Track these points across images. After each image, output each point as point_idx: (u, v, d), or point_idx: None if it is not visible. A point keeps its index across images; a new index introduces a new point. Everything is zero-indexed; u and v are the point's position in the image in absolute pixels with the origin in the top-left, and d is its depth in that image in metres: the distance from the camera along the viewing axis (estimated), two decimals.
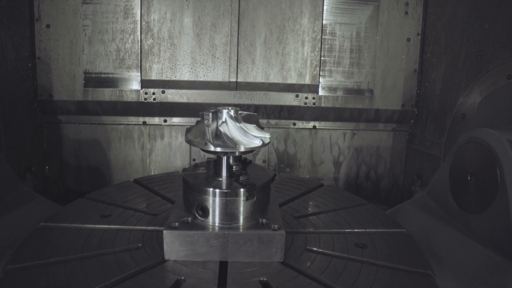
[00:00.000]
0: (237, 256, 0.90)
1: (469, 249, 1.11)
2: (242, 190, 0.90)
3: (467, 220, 1.17)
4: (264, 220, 0.93)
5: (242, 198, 0.90)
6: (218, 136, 0.90)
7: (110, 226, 1.05)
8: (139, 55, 1.70)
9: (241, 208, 0.91)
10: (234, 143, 0.88)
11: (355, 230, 1.09)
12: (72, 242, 0.97)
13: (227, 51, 1.73)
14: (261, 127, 0.96)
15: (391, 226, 1.12)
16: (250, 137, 0.88)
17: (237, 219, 0.92)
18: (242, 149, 0.88)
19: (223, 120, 0.90)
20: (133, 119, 1.78)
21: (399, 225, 1.13)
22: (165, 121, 1.79)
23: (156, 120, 1.79)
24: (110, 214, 1.11)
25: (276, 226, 0.90)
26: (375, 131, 1.87)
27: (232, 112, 0.92)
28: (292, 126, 1.84)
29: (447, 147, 1.51)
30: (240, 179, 0.91)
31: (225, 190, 0.90)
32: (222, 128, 0.89)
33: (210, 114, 0.87)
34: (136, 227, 1.05)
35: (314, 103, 1.77)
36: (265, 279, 0.85)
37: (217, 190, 0.90)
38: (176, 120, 1.80)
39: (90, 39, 1.67)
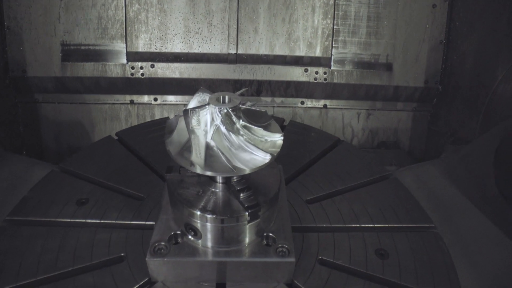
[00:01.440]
0: (237, 279, 0.78)
1: (502, 246, 0.98)
2: (244, 214, 0.73)
3: (506, 212, 1.03)
4: (270, 239, 0.78)
5: (243, 223, 0.74)
6: (209, 151, 0.68)
7: (87, 221, 0.93)
8: (124, 23, 1.52)
9: (242, 233, 0.76)
10: (232, 163, 0.67)
11: (376, 226, 0.96)
12: (42, 252, 0.84)
13: (226, 18, 1.54)
14: (268, 127, 0.76)
15: (417, 218, 0.98)
16: (254, 151, 0.67)
17: (237, 242, 0.77)
18: (243, 171, 0.68)
19: (215, 124, 0.68)
20: (119, 98, 1.62)
21: (426, 217, 0.99)
22: (155, 99, 1.63)
23: (145, 98, 1.63)
24: (88, 199, 0.98)
25: (285, 247, 0.76)
26: (393, 111, 1.71)
27: (227, 112, 0.68)
28: (300, 105, 1.68)
29: (483, 128, 1.35)
30: (241, 197, 0.73)
31: (221, 217, 0.73)
32: (214, 140, 0.68)
33: (195, 114, 0.65)
34: (118, 222, 0.92)
35: (325, 79, 1.60)
36: None
37: (209, 216, 0.73)
38: (167, 98, 1.64)
39: (66, 5, 1.48)
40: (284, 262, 0.74)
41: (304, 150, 1.21)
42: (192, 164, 0.67)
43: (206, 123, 0.67)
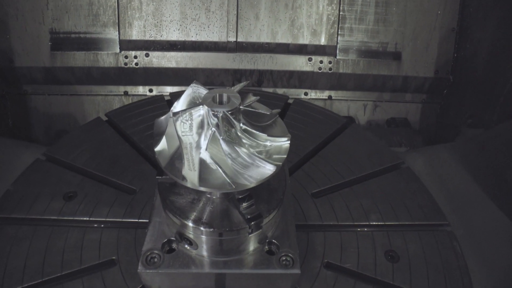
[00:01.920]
0: (236, 286, 0.73)
1: None
2: (245, 227, 0.67)
3: None
4: (272, 246, 0.73)
5: (244, 235, 0.69)
6: (204, 163, 0.60)
7: (75, 219, 0.87)
8: (116, 9, 1.45)
9: (242, 244, 0.71)
10: (230, 177, 0.59)
11: (386, 224, 0.91)
12: (28, 256, 0.80)
13: (225, 4, 1.48)
14: (272, 127, 0.68)
15: (431, 216, 0.93)
16: (257, 161, 0.59)
17: (237, 252, 0.72)
18: (244, 186, 0.60)
19: (211, 130, 0.59)
20: (112, 89, 1.56)
21: (439, 214, 0.94)
22: (150, 90, 1.58)
23: (140, 89, 1.57)
24: (76, 192, 0.92)
25: (289, 256, 0.70)
26: (401, 102, 1.65)
27: (224, 116, 0.59)
28: (303, 96, 1.62)
29: (500, 121, 1.29)
30: (242, 207, 0.66)
31: (219, 231, 0.66)
32: (210, 151, 0.59)
33: (185, 118, 0.57)
34: (109, 220, 0.88)
35: (330, 69, 1.54)
36: None
37: (205, 230, 0.66)
38: (163, 89, 1.58)
39: None
40: (288, 274, 0.69)
41: (310, 134, 1.14)
42: (184, 178, 0.60)
43: (200, 129, 0.59)
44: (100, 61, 1.48)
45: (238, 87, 0.68)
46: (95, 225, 0.87)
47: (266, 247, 0.73)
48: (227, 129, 0.57)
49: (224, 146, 0.59)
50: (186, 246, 0.71)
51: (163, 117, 0.68)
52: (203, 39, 1.51)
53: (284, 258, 0.71)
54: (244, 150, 0.59)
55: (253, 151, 0.60)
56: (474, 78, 1.47)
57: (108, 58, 1.48)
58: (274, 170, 0.61)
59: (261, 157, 0.59)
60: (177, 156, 0.62)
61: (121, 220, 0.88)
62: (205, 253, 0.70)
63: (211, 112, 0.59)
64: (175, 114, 0.58)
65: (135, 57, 1.48)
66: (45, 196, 0.92)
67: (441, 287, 0.79)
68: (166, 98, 1.25)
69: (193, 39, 1.51)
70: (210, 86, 0.70)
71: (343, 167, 1.05)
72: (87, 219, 0.88)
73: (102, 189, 0.94)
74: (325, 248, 0.86)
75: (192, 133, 0.58)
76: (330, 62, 1.54)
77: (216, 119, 0.58)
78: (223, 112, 0.60)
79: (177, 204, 0.69)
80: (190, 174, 0.58)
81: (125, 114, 1.20)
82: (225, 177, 0.58)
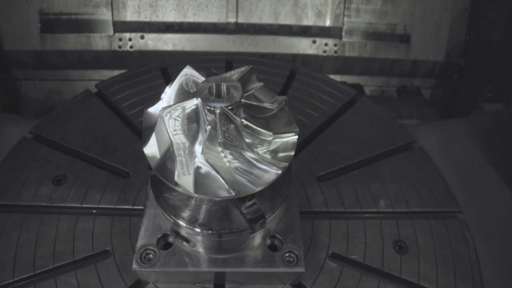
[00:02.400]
0: (237, 281, 0.71)
1: None
2: (245, 229, 0.63)
3: None
4: (275, 241, 0.70)
5: (245, 236, 0.65)
6: (200, 167, 0.55)
7: (66, 205, 0.84)
8: None
9: (243, 243, 0.67)
10: (229, 182, 0.53)
11: (395, 211, 0.88)
12: (18, 247, 0.77)
13: None
14: (277, 118, 0.62)
15: (443, 202, 0.89)
16: (259, 163, 0.53)
17: (237, 250, 0.68)
18: (245, 193, 0.55)
19: (206, 128, 0.53)
20: (106, 73, 1.52)
21: (452, 200, 0.90)
22: None
23: None
24: (65, 176, 0.88)
25: (293, 253, 0.67)
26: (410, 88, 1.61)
27: (222, 112, 0.53)
28: None
29: None
30: (243, 207, 0.60)
31: (217, 233, 0.62)
32: (206, 154, 0.53)
33: (177, 115, 0.52)
34: (101, 207, 0.84)
35: (335, 51, 1.50)
36: None
37: (201, 231, 0.62)
38: None
39: None
40: (292, 272, 0.66)
41: (316, 108, 1.08)
42: (176, 183, 0.54)
43: (194, 126, 0.53)
44: (93, 44, 1.44)
45: (237, 73, 0.62)
46: (87, 213, 0.83)
47: (269, 241, 0.69)
48: (226, 128, 0.51)
49: (222, 148, 0.54)
50: (183, 242, 0.68)
51: (152, 108, 0.63)
52: (201, 20, 1.46)
53: (287, 255, 0.68)
54: (246, 152, 0.54)
55: (255, 155, 0.53)
56: (487, 62, 1.42)
57: (101, 41, 1.44)
58: (279, 173, 0.57)
59: (265, 159, 0.54)
60: (169, 156, 0.57)
61: (114, 207, 0.85)
62: (203, 250, 0.67)
63: (206, 108, 0.54)
64: (165, 109, 0.53)
65: (130, 39, 1.44)
66: (33, 181, 0.88)
67: (449, 282, 0.76)
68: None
69: (191, 20, 1.46)
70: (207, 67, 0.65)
71: (351, 146, 1.00)
72: (79, 205, 0.84)
73: (93, 172, 0.90)
74: (331, 238, 0.82)
75: (185, 132, 0.53)
76: (335, 45, 1.49)
77: (212, 116, 0.53)
78: (221, 108, 0.53)
79: (172, 201, 0.65)
80: (184, 179, 0.52)
81: (116, 85, 1.13)
82: (224, 183, 0.53)
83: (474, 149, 1.05)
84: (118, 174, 0.91)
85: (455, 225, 0.86)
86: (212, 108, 0.55)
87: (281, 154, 0.59)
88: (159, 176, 0.56)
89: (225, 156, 0.55)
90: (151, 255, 0.67)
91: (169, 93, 0.61)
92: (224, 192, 0.54)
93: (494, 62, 1.39)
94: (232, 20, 1.45)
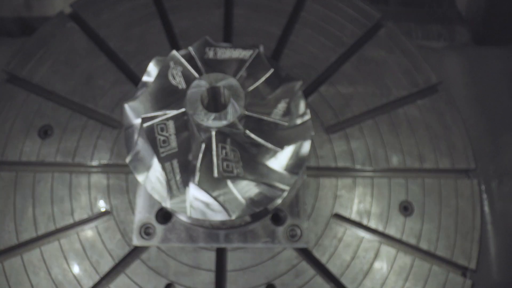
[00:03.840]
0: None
1: None
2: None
3: None
4: (280, 212, 0.69)
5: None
6: (194, 195, 0.49)
7: (57, 161, 0.83)
8: None
9: (245, 219, 0.65)
10: (230, 208, 0.49)
11: (407, 168, 0.87)
12: (17, 207, 0.79)
13: None
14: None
15: (459, 158, 0.87)
16: (262, 185, 0.47)
17: (239, 225, 0.69)
18: (243, 215, 0.51)
19: (200, 147, 0.45)
20: None
21: (469, 157, 0.87)
22: None
23: None
24: (51, 127, 0.84)
25: (298, 228, 0.67)
26: None
27: (221, 131, 0.45)
28: None
29: None
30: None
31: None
32: (202, 186, 0.47)
33: (161, 129, 0.43)
34: (94, 165, 0.83)
35: None
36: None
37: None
38: None
39: None
40: (295, 247, 0.68)
41: (332, 38, 0.95)
42: (172, 209, 0.50)
43: (185, 134, 0.46)
44: None
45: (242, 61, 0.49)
46: (81, 170, 0.82)
47: (272, 215, 0.70)
48: (224, 153, 0.43)
49: (221, 171, 0.47)
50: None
51: (132, 103, 0.53)
52: None
53: (291, 229, 0.70)
54: (248, 178, 0.47)
55: (259, 176, 0.47)
56: None
57: None
58: (287, 190, 0.52)
59: (269, 180, 0.48)
60: (158, 174, 0.51)
61: (108, 162, 0.83)
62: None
63: (198, 127, 0.45)
64: (145, 120, 0.44)
65: None
66: (17, 133, 0.84)
67: (449, 246, 0.81)
68: None
69: None
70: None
71: (368, 89, 0.92)
72: (70, 161, 0.83)
73: (81, 122, 0.86)
74: (336, 197, 0.84)
75: (174, 149, 0.45)
76: None
77: (207, 133, 0.44)
78: (216, 130, 0.44)
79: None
80: (178, 204, 0.49)
81: (96, 5, 0.97)
82: (223, 208, 0.48)
83: (509, 89, 0.95)
84: (109, 124, 0.85)
85: (467, 187, 0.85)
86: (207, 128, 0.47)
87: (291, 162, 0.54)
88: (150, 192, 0.53)
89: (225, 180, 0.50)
90: (150, 230, 0.69)
91: (151, 88, 0.51)
92: (223, 215, 0.51)
93: None
94: None
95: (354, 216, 0.82)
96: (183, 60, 0.49)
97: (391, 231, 0.81)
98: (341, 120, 0.89)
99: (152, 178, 0.50)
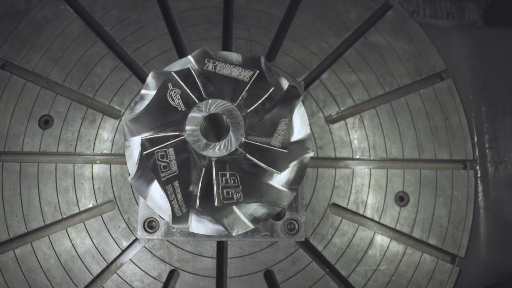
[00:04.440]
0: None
1: None
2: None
3: None
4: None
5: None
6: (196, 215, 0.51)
7: (59, 151, 0.84)
8: None
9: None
10: (231, 226, 0.50)
11: (406, 159, 0.89)
12: (23, 198, 0.82)
13: None
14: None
15: (459, 151, 0.89)
16: (262, 206, 0.49)
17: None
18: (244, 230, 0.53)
19: (200, 172, 0.46)
20: None
21: (468, 149, 0.90)
22: None
23: None
24: (51, 117, 0.85)
25: (295, 221, 0.70)
26: None
27: (218, 163, 0.46)
28: None
29: None
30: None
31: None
32: (203, 209, 0.49)
33: (161, 159, 0.44)
34: (97, 155, 0.85)
35: None
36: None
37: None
38: None
39: None
40: (292, 239, 0.73)
41: (336, 21, 0.93)
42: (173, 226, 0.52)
43: (185, 156, 0.46)
44: None
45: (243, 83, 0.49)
46: (83, 160, 0.84)
47: None
48: (223, 181, 0.45)
49: (222, 197, 0.48)
50: None
51: (131, 120, 0.53)
52: None
53: (289, 221, 0.74)
54: (248, 202, 0.49)
55: (258, 198, 0.49)
56: None
57: None
58: (285, 206, 0.54)
59: (268, 202, 0.50)
60: (161, 194, 0.54)
61: (110, 153, 0.85)
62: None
63: (198, 154, 0.46)
64: (145, 146, 0.44)
65: None
66: (18, 123, 0.85)
67: (439, 239, 0.85)
68: None
69: None
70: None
71: (372, 76, 0.92)
72: (73, 152, 0.85)
73: (81, 112, 0.86)
74: (334, 187, 0.87)
75: (175, 172, 0.47)
76: None
77: (206, 160, 0.46)
78: (216, 160, 0.45)
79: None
80: (181, 222, 0.50)
81: None
82: (223, 227, 0.50)
83: None
84: (109, 113, 0.86)
85: (462, 177, 0.88)
86: (207, 158, 0.48)
87: (291, 176, 0.56)
88: (153, 208, 0.55)
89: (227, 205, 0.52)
90: (154, 223, 0.73)
91: (150, 106, 0.52)
92: (224, 232, 0.54)
93: None
94: None
95: (350, 206, 0.86)
96: (181, 83, 0.48)
97: (386, 221, 0.86)
98: (341, 109, 0.90)
99: (155, 195, 0.53)
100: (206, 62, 0.52)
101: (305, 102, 0.89)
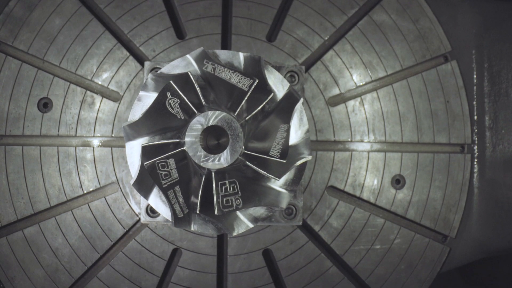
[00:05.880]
0: None
1: None
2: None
3: None
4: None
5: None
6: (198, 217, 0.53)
7: (59, 135, 0.87)
8: None
9: None
10: (230, 226, 0.53)
11: (404, 143, 0.92)
12: (28, 180, 0.86)
13: None
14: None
15: (457, 135, 0.92)
16: (260, 208, 0.51)
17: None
18: (243, 230, 0.56)
19: (201, 179, 0.49)
20: None
21: (468, 133, 0.92)
22: None
23: None
24: (50, 100, 0.87)
25: (294, 207, 0.75)
26: None
27: (217, 174, 0.49)
28: None
29: None
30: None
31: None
32: (204, 214, 0.51)
33: (161, 169, 0.46)
34: (98, 137, 0.87)
35: None
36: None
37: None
38: None
39: None
40: (290, 224, 0.78)
41: (338, 1, 0.93)
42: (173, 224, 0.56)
43: (185, 163, 0.49)
44: None
45: (243, 91, 0.51)
46: (84, 143, 0.87)
47: None
48: (223, 190, 0.48)
49: (223, 204, 0.52)
50: None
51: (130, 125, 0.54)
52: None
53: (288, 207, 0.78)
54: (247, 207, 0.53)
55: (257, 203, 0.53)
56: None
57: None
58: (283, 208, 0.58)
59: (267, 204, 0.53)
60: (161, 197, 0.57)
61: (111, 136, 0.88)
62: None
63: (198, 167, 0.49)
64: (145, 156, 0.47)
65: None
66: (17, 107, 0.87)
67: (432, 220, 0.90)
68: None
69: None
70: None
71: (374, 58, 0.93)
72: (74, 135, 0.88)
73: (79, 95, 0.88)
74: (332, 170, 0.91)
75: (176, 179, 0.50)
76: None
77: (206, 170, 0.48)
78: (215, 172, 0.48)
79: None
80: (183, 224, 0.54)
81: None
82: (223, 228, 0.54)
83: None
84: (107, 97, 0.88)
85: (459, 161, 0.92)
86: (207, 169, 0.52)
87: (290, 177, 0.60)
88: (154, 207, 0.59)
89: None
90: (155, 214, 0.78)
91: (149, 111, 0.54)
92: (222, 231, 0.59)
93: None
94: None
95: (348, 189, 0.90)
96: (180, 93, 0.50)
97: (382, 203, 0.91)
98: (342, 93, 0.92)
99: (157, 199, 0.56)
100: (205, 63, 0.53)
101: (306, 84, 0.90)
